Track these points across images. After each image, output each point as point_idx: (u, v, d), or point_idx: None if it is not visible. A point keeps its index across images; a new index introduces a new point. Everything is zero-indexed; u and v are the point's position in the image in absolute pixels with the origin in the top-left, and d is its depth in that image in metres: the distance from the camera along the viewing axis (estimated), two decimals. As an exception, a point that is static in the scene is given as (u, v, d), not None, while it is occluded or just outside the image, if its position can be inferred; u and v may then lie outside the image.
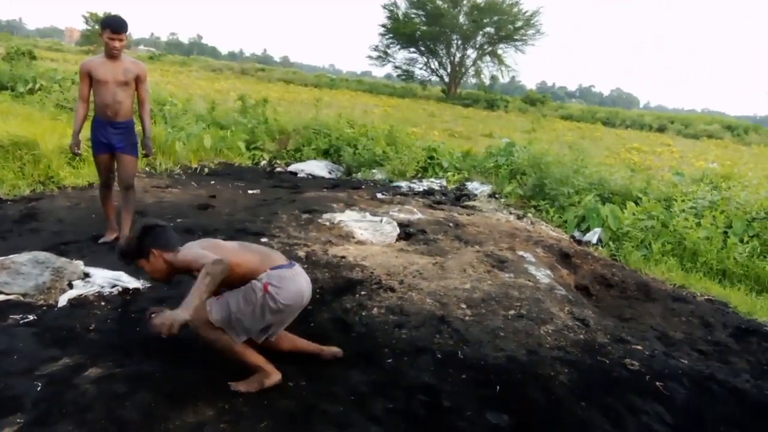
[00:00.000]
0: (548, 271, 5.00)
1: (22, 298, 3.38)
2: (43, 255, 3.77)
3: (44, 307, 3.37)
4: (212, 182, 7.64)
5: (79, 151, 4.77)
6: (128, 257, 2.80)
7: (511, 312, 4.02)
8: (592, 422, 2.92)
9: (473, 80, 53.84)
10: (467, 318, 3.85)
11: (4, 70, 14.78)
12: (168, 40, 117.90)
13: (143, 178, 7.35)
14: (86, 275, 3.79)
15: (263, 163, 9.67)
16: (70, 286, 3.62)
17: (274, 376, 2.80)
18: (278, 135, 10.34)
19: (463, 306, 4.02)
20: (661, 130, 36.09)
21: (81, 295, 3.55)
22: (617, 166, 9.40)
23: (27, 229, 4.95)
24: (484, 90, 48.03)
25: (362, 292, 4.08)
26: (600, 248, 6.71)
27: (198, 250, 2.65)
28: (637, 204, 7.63)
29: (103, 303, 3.53)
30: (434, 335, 3.55)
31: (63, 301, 3.44)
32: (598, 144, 19.67)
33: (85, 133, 4.73)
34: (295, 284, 2.76)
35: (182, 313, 2.39)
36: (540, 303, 4.22)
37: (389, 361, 3.19)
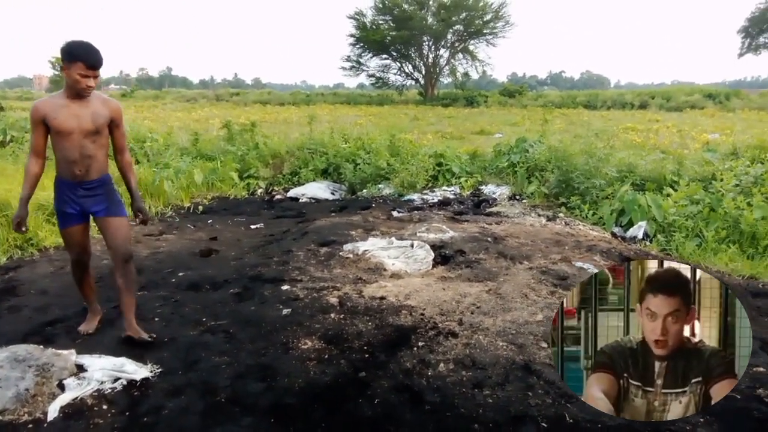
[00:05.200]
0: (618, 283, 4.31)
1: (0, 417, 2.62)
2: (22, 349, 3.00)
3: (30, 425, 2.60)
4: (209, 221, 6.88)
5: (24, 229, 3.39)
6: None
7: (602, 344, 3.31)
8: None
9: (447, 80, 53.50)
10: (555, 361, 3.13)
11: (-31, 126, 13.94)
12: (138, 76, 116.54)
13: (132, 226, 6.57)
14: (80, 368, 3.03)
15: (260, 191, 8.92)
16: (61, 387, 2.85)
17: None
18: (271, 159, 9.59)
19: (544, 345, 3.31)
20: (643, 106, 35.84)
21: (76, 398, 2.79)
22: (647, 150, 8.76)
23: (5, 308, 4.16)
24: (462, 88, 47.59)
25: (420, 343, 3.35)
26: (648, 243, 6.04)
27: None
28: (673, 188, 7.00)
29: (105, 406, 2.76)
30: (526, 393, 2.83)
31: (54, 411, 2.68)
32: (590, 128, 19.17)
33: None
34: None
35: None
36: (629, 327, 3.52)
37: (487, 442, 2.47)
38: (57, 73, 59.49)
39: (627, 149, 9.74)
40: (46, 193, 6.49)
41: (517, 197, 7.94)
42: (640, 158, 7.53)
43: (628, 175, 7.28)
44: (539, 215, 6.98)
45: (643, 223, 6.26)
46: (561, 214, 6.99)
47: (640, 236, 6.17)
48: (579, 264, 4.62)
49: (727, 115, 25.84)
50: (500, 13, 48.31)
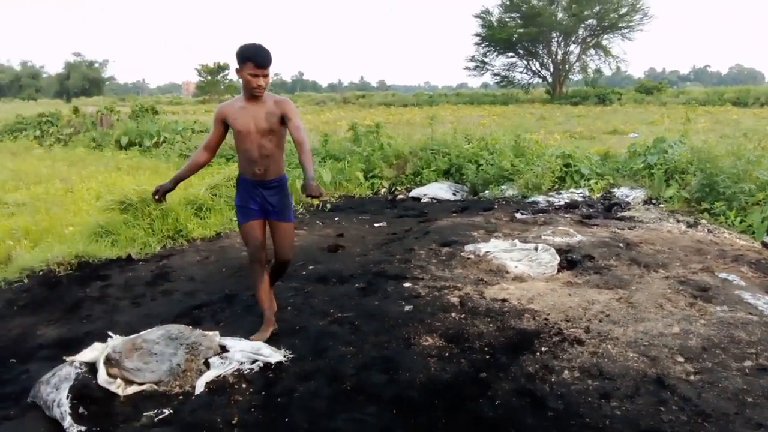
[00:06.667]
0: (769, 298, 3.90)
1: (156, 387, 2.96)
2: (175, 329, 3.36)
3: (180, 396, 2.92)
4: (336, 218, 7.21)
5: (158, 197, 3.50)
6: None
7: (747, 363, 3.04)
8: None
9: (577, 77, 51.02)
10: (692, 377, 2.92)
11: (131, 128, 15.75)
12: (273, 81, 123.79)
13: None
14: (223, 349, 3.33)
15: (383, 191, 9.16)
16: (207, 365, 3.16)
17: None
18: (395, 160, 9.80)
19: (680, 359, 3.09)
20: (806, 102, 31.79)
21: (219, 375, 3.08)
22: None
23: (159, 291, 4.68)
24: (593, 85, 45.21)
25: (543, 349, 3.28)
26: (808, 255, 5.38)
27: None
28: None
29: (244, 385, 3.02)
30: (658, 408, 2.67)
31: (200, 386, 2.98)
32: (739, 127, 17.37)
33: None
34: None
35: None
36: (782, 346, 3.19)
37: (613, 455, 2.37)
38: (202, 79, 65.14)
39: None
40: (194, 189, 7.18)
41: (654, 201, 7.44)
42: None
43: (784, 179, 6.53)
44: (678, 221, 6.48)
45: (802, 233, 5.60)
46: (703, 221, 6.44)
47: (798, 247, 5.52)
48: (723, 275, 4.24)
49: None
50: (637, 5, 45.30)
